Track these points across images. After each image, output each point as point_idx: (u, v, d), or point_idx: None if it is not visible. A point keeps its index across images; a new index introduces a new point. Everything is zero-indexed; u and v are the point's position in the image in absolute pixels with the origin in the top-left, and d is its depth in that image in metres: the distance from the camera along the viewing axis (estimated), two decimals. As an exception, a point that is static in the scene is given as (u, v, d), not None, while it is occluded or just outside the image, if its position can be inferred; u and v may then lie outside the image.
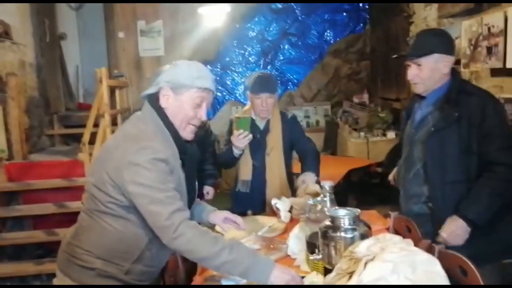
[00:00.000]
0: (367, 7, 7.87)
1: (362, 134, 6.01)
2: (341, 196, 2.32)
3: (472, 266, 1.58)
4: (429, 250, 1.84)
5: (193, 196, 1.91)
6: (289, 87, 8.22)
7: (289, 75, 8.27)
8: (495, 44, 3.30)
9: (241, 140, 2.59)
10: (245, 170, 2.85)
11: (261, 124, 2.86)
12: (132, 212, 1.65)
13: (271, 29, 8.19)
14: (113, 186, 1.62)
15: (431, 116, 2.15)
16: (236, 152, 2.69)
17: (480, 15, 3.53)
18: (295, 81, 8.24)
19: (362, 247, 1.13)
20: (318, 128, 7.18)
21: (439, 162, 2.10)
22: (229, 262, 1.55)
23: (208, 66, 7.24)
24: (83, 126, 4.52)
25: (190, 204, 1.84)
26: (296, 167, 2.98)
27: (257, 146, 2.81)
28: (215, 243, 1.56)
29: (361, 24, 8.06)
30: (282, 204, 2.46)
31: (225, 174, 6.09)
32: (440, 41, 2.10)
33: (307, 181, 2.55)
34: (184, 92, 1.73)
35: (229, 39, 7.79)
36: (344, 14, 8.10)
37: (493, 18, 3.33)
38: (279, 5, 8.04)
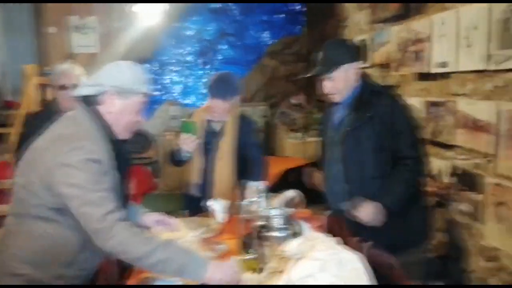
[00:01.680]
0: (304, 9, 8.03)
1: (299, 134, 6.13)
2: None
3: (395, 261, 1.67)
4: (358, 247, 1.91)
5: (127, 197, 1.88)
6: (227, 87, 8.21)
7: (227, 75, 8.26)
8: (422, 50, 3.47)
9: (188, 144, 2.55)
10: (196, 173, 2.81)
11: (216, 127, 2.80)
12: (63, 214, 1.60)
13: (209, 28, 8.15)
14: (43, 188, 1.57)
15: (347, 117, 2.31)
16: (184, 155, 2.64)
17: (408, 21, 3.71)
18: (234, 81, 8.25)
19: (292, 246, 1.15)
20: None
21: (356, 160, 2.27)
22: (163, 261, 1.53)
23: (146, 65, 7.12)
24: (10, 125, 4.28)
25: (124, 205, 1.81)
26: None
27: (209, 150, 2.76)
28: (148, 242, 1.54)
29: (298, 26, 8.21)
30: (218, 205, 2.46)
31: (165, 175, 6.00)
32: (344, 52, 2.26)
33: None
34: (130, 97, 1.71)
35: (166, 37, 7.68)
36: (281, 15, 8.21)
37: (420, 24, 3.51)
38: (217, 5, 8.02)
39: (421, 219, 2.42)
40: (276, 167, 5.08)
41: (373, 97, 2.24)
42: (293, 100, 7.25)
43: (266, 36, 8.27)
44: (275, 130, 6.78)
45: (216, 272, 1.55)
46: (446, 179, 3.23)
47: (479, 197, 2.82)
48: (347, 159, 2.31)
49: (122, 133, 1.75)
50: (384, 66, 4.23)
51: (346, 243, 2.02)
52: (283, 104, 7.23)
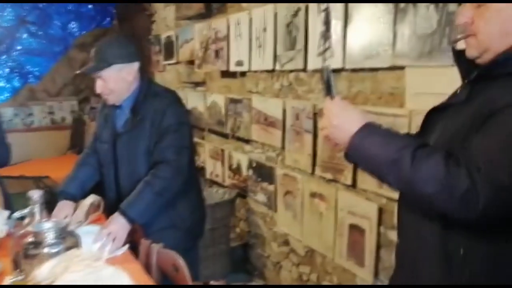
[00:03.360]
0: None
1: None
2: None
3: (182, 263, 1.67)
4: (149, 249, 1.89)
5: None
6: (30, 80, 7.48)
7: (29, 67, 7.53)
8: (221, 48, 3.60)
9: None
10: None
11: None
12: None
13: (5, 14, 7.30)
14: None
15: (125, 121, 2.18)
16: None
17: (209, 20, 3.80)
18: (37, 73, 7.55)
19: (44, 270, 1.05)
20: (63, 125, 6.74)
21: (128, 162, 2.17)
22: None
23: None
24: None
25: None
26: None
27: None
28: None
29: (109, 18, 7.86)
30: (-3, 217, 2.18)
31: None
32: (117, 52, 2.09)
33: None
34: None
35: None
36: (90, 6, 7.76)
37: (219, 24, 3.62)
38: (14, -11, 7.22)
39: (185, 207, 2.26)
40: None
41: (149, 100, 2.14)
42: (104, 95, 6.93)
43: (73, 26, 7.74)
44: (85, 127, 6.40)
45: None
46: (245, 172, 3.42)
47: (272, 187, 3.05)
48: (120, 161, 2.20)
49: None
50: (190, 63, 4.28)
51: (138, 245, 2.00)
52: (94, 99, 6.85)
